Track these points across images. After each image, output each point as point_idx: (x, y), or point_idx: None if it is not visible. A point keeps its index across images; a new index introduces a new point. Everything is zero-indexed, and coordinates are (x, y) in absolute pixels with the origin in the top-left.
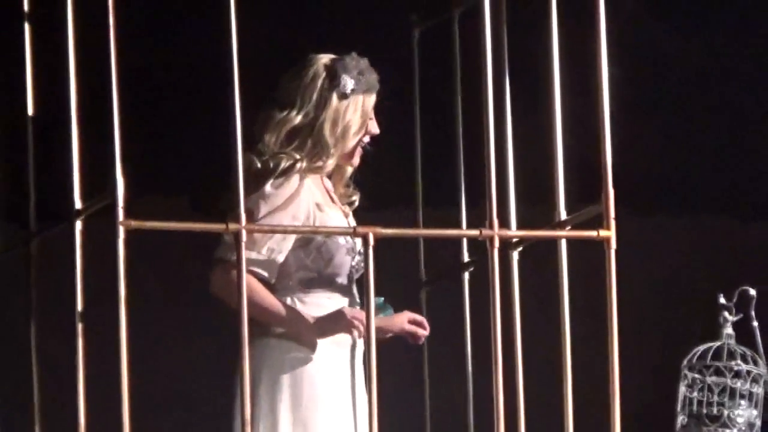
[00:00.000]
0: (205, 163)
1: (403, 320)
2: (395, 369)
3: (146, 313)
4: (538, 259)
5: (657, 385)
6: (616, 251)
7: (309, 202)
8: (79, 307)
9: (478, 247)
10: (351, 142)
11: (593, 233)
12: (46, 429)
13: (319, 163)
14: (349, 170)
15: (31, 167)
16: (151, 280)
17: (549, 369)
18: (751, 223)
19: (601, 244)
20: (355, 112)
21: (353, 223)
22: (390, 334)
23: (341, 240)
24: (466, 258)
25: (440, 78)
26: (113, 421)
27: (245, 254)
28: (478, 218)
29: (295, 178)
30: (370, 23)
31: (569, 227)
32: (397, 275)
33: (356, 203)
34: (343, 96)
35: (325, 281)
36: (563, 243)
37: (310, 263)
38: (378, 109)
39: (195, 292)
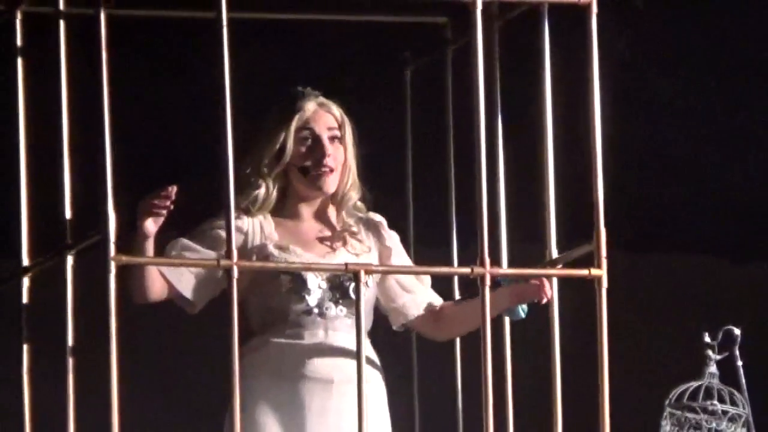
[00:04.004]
0: (196, 198)
1: (508, 291)
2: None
3: (137, 347)
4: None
5: (643, 422)
6: (606, 289)
7: (240, 239)
8: (70, 341)
9: (470, 285)
10: (274, 171)
11: (585, 272)
12: None
13: (258, 199)
14: (350, 200)
15: (23, 201)
16: (141, 313)
17: (539, 406)
18: (738, 263)
19: (592, 282)
20: (269, 140)
21: (345, 258)
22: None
23: (283, 282)
24: (457, 296)
25: (433, 116)
26: None
27: None
28: (470, 256)
29: (240, 221)
30: (363, 62)
31: (560, 266)
32: None
33: (358, 233)
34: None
35: (276, 320)
36: (555, 281)
37: (258, 306)
38: (364, 142)
39: (185, 325)
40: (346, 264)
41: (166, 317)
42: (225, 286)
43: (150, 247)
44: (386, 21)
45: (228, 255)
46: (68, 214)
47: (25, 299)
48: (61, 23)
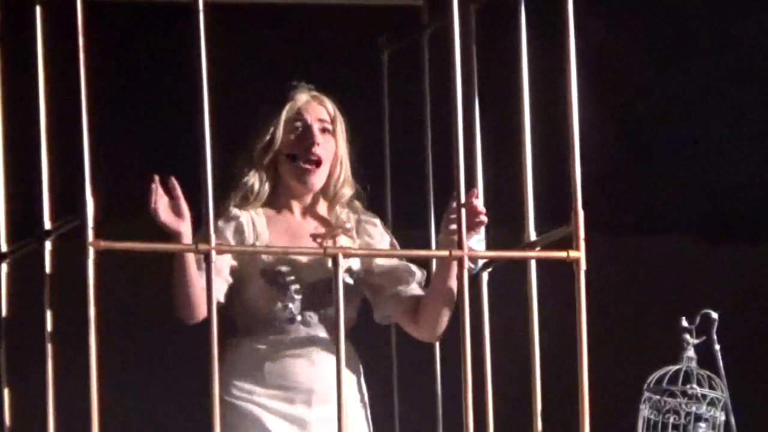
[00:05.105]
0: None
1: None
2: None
3: (116, 333)
4: (508, 279)
5: (621, 406)
6: (585, 272)
7: (239, 242)
8: (49, 327)
9: None
10: (264, 159)
11: (563, 254)
12: None
13: (249, 192)
14: (342, 196)
15: (1, 186)
16: (121, 299)
17: (518, 392)
18: (717, 245)
19: (571, 264)
20: (261, 130)
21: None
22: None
23: (267, 289)
24: None
25: (410, 100)
26: None
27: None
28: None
29: (228, 214)
30: (340, 46)
31: (539, 248)
32: None
33: (353, 229)
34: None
35: (260, 325)
36: (533, 264)
37: (242, 308)
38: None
39: (167, 313)
40: (325, 248)
41: (146, 304)
42: (230, 281)
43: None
44: (362, 4)
45: (206, 239)
46: (46, 200)
47: (3, 285)
48: (38, 9)
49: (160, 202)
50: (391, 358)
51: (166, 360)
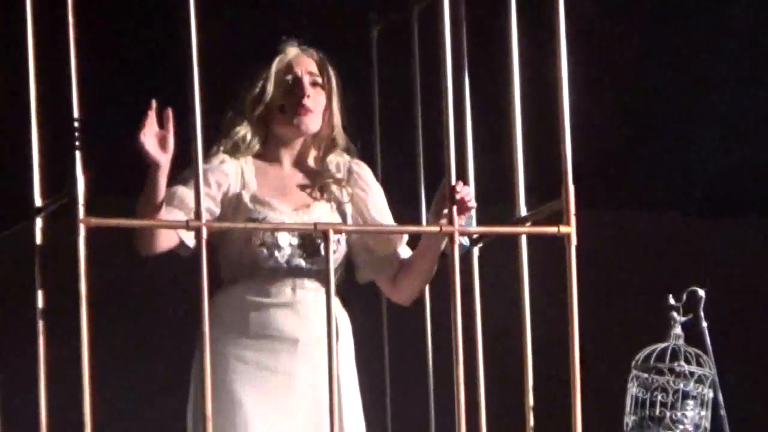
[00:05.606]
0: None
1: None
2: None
3: (107, 310)
4: (499, 255)
5: (609, 384)
6: (576, 248)
7: (222, 184)
8: (40, 304)
9: None
10: (254, 112)
11: (553, 229)
12: (7, 429)
13: (241, 141)
14: (334, 146)
15: None
16: (112, 277)
17: (510, 366)
18: (706, 223)
19: (562, 240)
20: (251, 84)
21: (321, 210)
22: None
23: (254, 237)
24: None
25: (400, 76)
26: (75, 420)
27: None
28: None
29: (216, 158)
30: (329, 22)
31: (530, 223)
32: None
33: (342, 180)
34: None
35: (245, 274)
36: (524, 239)
37: (228, 258)
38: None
39: (156, 289)
40: (315, 224)
41: (137, 281)
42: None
43: (162, 180)
44: None
45: (197, 216)
46: (37, 178)
47: None
48: None
49: (149, 129)
50: (381, 319)
51: (156, 336)
